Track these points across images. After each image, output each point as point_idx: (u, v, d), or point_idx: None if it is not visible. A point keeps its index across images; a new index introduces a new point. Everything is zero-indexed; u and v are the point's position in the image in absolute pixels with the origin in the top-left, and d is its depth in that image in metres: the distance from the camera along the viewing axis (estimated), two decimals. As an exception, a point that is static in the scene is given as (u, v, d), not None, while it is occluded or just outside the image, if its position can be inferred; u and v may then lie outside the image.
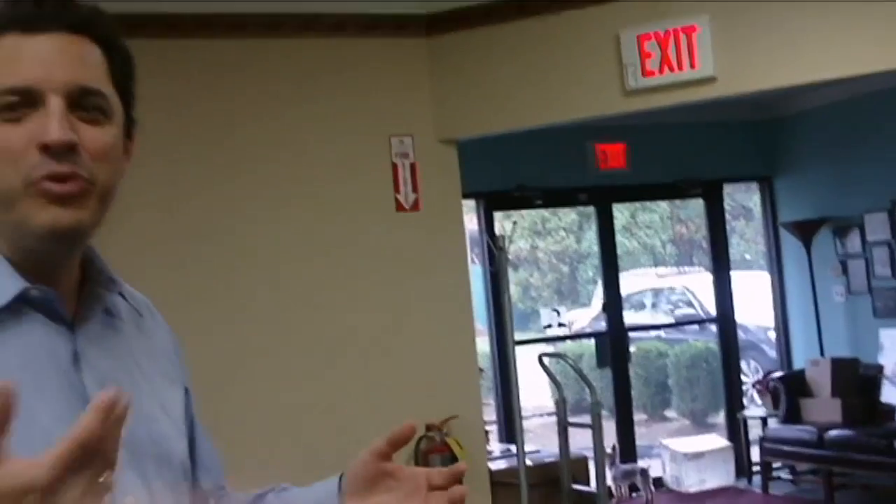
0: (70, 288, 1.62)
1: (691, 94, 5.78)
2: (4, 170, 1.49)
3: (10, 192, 1.50)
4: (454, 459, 5.77)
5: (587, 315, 13.78)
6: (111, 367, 1.62)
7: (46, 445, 1.26)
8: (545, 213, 14.23)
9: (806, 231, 9.74)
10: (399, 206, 5.98)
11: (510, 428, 8.94)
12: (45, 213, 1.50)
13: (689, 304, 13.92)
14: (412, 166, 6.01)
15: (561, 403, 6.90)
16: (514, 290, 6.50)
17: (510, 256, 6.42)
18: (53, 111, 1.49)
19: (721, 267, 10.33)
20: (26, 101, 1.49)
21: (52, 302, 1.56)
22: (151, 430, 1.66)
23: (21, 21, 1.51)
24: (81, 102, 1.53)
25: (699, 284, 13.47)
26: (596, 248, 13.16)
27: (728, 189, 10.66)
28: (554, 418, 8.54)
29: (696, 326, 13.79)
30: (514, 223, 7.26)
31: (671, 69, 5.69)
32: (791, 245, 10.12)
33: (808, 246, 9.72)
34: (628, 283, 12.54)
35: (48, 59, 1.51)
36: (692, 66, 5.66)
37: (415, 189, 6.01)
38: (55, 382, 1.52)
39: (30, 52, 1.51)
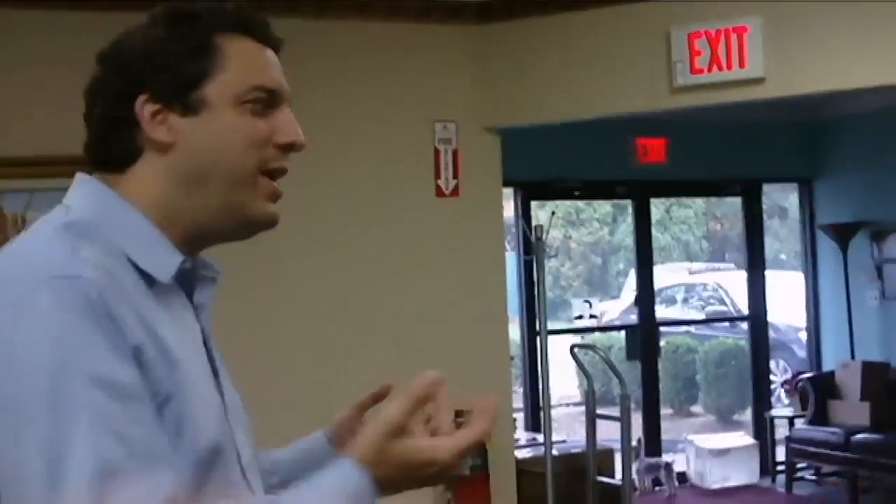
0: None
1: (739, 94, 5.78)
2: (247, 153, 1.69)
3: (245, 174, 1.70)
4: (481, 446, 5.79)
5: (617, 307, 13.79)
6: (215, 344, 1.81)
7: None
8: (580, 203, 14.22)
9: (843, 234, 9.72)
10: (439, 192, 6.01)
11: (536, 417, 8.98)
12: (266, 205, 1.76)
13: (721, 301, 13.90)
14: (454, 152, 6.03)
15: (590, 394, 6.92)
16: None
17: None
18: (292, 117, 1.75)
19: (756, 265, 10.32)
20: (270, 101, 1.71)
21: (193, 281, 1.74)
22: (241, 402, 1.86)
23: (257, 30, 1.77)
24: None
25: (731, 282, 13.47)
26: (628, 241, 13.18)
27: (765, 188, 10.63)
28: (578, 409, 8.58)
29: (725, 323, 13.78)
30: (553, 213, 7.26)
31: (720, 68, 5.69)
32: (827, 247, 10.10)
33: (844, 249, 9.70)
34: (659, 277, 12.51)
35: (280, 71, 1.77)
36: (741, 65, 5.66)
37: (455, 175, 6.03)
38: (202, 357, 1.72)
39: (271, 60, 1.77)
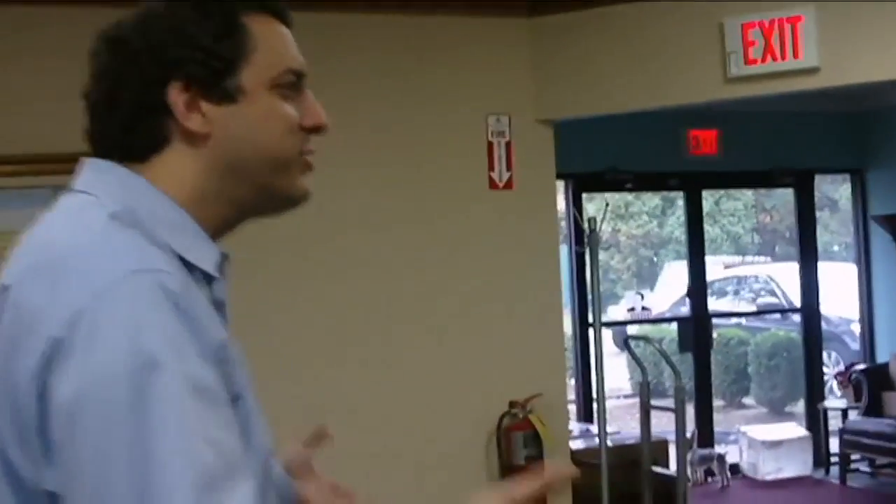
0: None
1: (793, 84, 5.76)
2: (287, 139, 1.63)
3: (288, 161, 1.65)
4: (536, 437, 5.82)
5: (663, 299, 13.73)
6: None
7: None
8: (629, 196, 14.22)
9: (896, 225, 9.66)
10: (493, 184, 6.02)
11: (588, 408, 8.99)
12: (304, 184, 1.68)
13: (772, 294, 13.85)
14: (507, 145, 6.04)
15: (644, 386, 6.92)
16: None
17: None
18: (315, 99, 1.69)
19: (807, 257, 10.27)
20: (298, 84, 1.66)
21: (223, 273, 1.65)
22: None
23: (278, 12, 1.68)
24: None
25: (782, 274, 13.41)
26: (678, 234, 13.15)
27: (816, 180, 10.57)
28: (628, 401, 8.58)
29: (777, 315, 13.72)
30: (607, 205, 7.26)
31: (774, 58, 5.68)
32: (880, 238, 10.04)
33: (897, 240, 9.64)
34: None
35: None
36: (795, 56, 5.64)
37: (509, 167, 6.04)
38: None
39: (294, 42, 1.69)
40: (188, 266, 1.52)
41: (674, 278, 14.28)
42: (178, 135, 1.57)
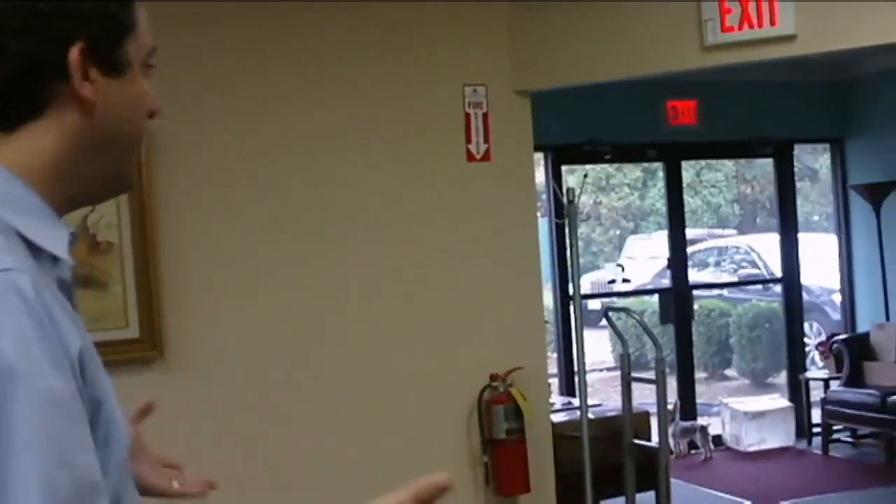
0: None
1: (770, 52, 5.72)
2: (146, 122, 1.55)
3: (135, 143, 1.56)
4: (517, 410, 5.79)
5: (605, 276, 13.66)
6: None
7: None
8: (609, 168, 14.19)
9: (876, 194, 9.66)
10: (470, 156, 5.97)
11: (570, 381, 8.99)
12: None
13: (753, 265, 13.86)
14: (485, 116, 5.99)
15: (625, 358, 6.90)
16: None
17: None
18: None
19: (788, 228, 10.26)
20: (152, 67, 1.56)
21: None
22: None
23: None
24: None
25: (763, 244, 13.41)
26: (659, 206, 13.12)
27: (795, 150, 10.55)
28: (611, 374, 8.50)
29: (758, 286, 13.73)
30: (585, 176, 7.22)
31: (751, 26, 5.64)
32: (860, 208, 10.04)
33: (877, 209, 9.64)
34: (660, 245, 12.44)
35: None
36: (772, 23, 5.60)
37: (486, 139, 5.99)
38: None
39: (147, 18, 1.54)
40: (33, 249, 1.40)
41: (638, 252, 14.32)
42: (57, 103, 1.44)
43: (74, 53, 1.41)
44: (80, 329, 1.38)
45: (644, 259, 13.75)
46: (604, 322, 7.98)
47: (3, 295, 1.26)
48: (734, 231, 15.77)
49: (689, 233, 15.39)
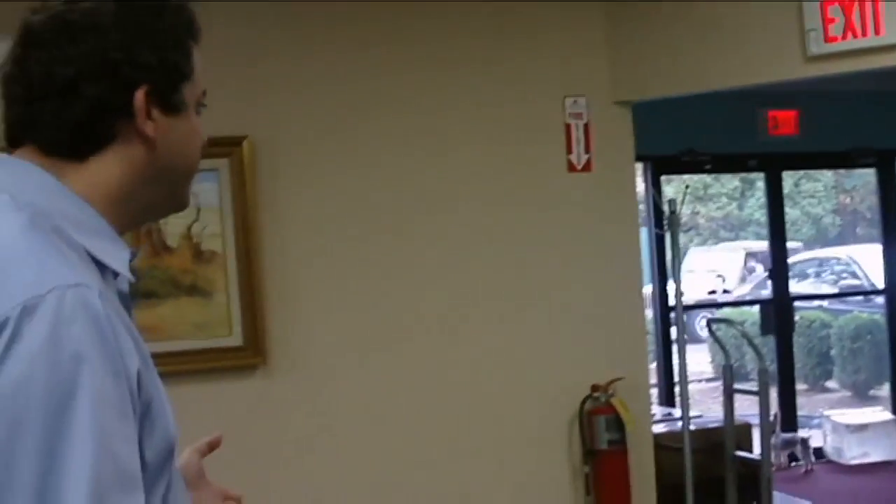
0: None
1: (875, 62, 5.65)
2: (195, 156, 1.75)
3: (189, 175, 1.76)
4: (618, 421, 5.78)
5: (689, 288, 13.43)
6: None
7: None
8: (707, 178, 14.11)
9: (981, 204, 9.49)
10: (571, 167, 5.98)
11: (670, 392, 8.93)
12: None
13: (854, 276, 13.68)
14: (585, 127, 6.00)
15: (727, 369, 6.86)
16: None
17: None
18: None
19: (891, 239, 10.11)
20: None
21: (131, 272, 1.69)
22: None
23: (198, 40, 1.75)
24: None
25: (864, 255, 13.25)
26: (757, 216, 13.01)
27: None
28: (709, 385, 8.42)
29: (859, 297, 13.56)
30: (687, 187, 7.19)
31: (855, 35, 5.59)
32: (965, 218, 9.86)
33: (983, 219, 9.47)
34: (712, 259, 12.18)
35: None
36: (877, 32, 5.54)
37: (587, 150, 6.00)
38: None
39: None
40: (100, 266, 1.57)
41: (697, 265, 14.15)
42: (122, 138, 1.63)
43: (139, 96, 1.62)
44: (136, 339, 1.54)
45: (703, 272, 13.59)
46: (701, 333, 7.94)
47: (76, 307, 1.42)
48: (800, 244, 15.54)
49: (751, 245, 15.34)
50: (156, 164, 1.66)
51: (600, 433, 5.78)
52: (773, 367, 9.61)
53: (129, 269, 1.64)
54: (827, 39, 5.66)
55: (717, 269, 13.54)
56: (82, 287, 1.43)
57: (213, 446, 2.08)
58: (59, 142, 1.61)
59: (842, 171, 14.30)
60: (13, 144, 1.64)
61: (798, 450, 9.39)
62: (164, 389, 1.61)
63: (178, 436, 1.62)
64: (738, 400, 6.99)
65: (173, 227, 5.08)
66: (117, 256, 1.61)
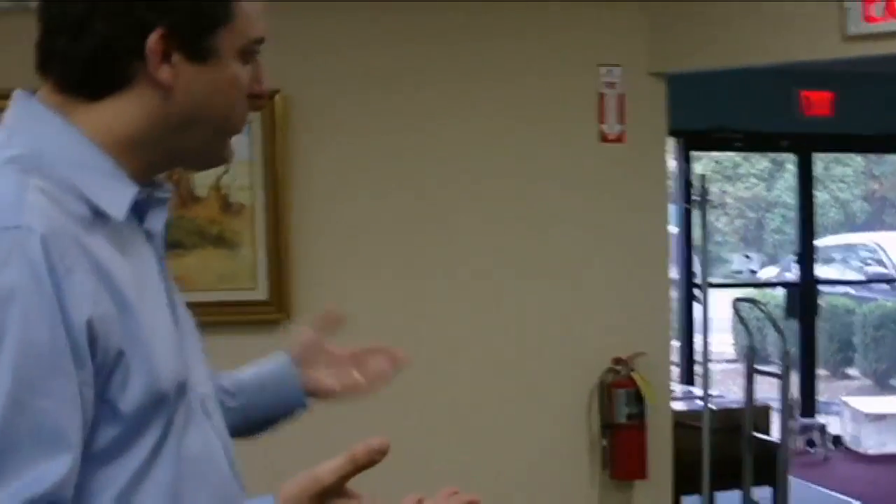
0: None
1: (917, 43, 5.57)
2: (241, 105, 1.67)
3: (232, 124, 1.68)
4: (638, 395, 5.73)
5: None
6: (172, 279, 1.74)
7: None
8: (736, 158, 14.01)
9: None
10: (604, 137, 5.91)
11: (690, 370, 8.89)
12: (231, 148, 1.72)
13: (880, 263, 13.59)
14: (619, 97, 5.93)
15: (750, 350, 6.80)
16: (700, 234, 6.41)
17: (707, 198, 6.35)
18: (264, 67, 1.72)
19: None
20: (257, 51, 1.70)
21: (146, 206, 1.66)
22: (194, 327, 1.82)
23: None
24: None
25: (892, 243, 13.17)
26: (785, 198, 12.92)
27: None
28: (730, 366, 8.36)
29: (884, 285, 13.48)
30: (717, 162, 7.11)
31: (894, 16, 5.50)
32: None
33: None
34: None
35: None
36: (919, 14, 5.45)
37: (621, 121, 5.93)
38: (159, 291, 1.67)
39: (263, 9, 1.70)
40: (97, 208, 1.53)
41: None
42: (138, 81, 1.57)
43: (153, 39, 1.54)
44: (114, 284, 1.48)
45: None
46: (724, 313, 7.89)
47: (11, 251, 1.38)
48: (854, 232, 15.48)
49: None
50: (174, 111, 1.60)
51: (620, 407, 5.73)
52: (794, 351, 9.55)
53: (126, 209, 1.57)
54: (867, 19, 5.57)
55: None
56: (22, 230, 1.39)
57: (331, 321, 2.22)
58: (71, 79, 1.57)
59: (872, 157, 14.19)
60: (41, 76, 1.61)
61: (816, 436, 9.34)
62: (166, 336, 1.59)
63: (185, 382, 1.61)
64: (759, 382, 6.93)
65: (202, 177, 5.05)
66: (115, 195, 1.56)
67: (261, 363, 2.20)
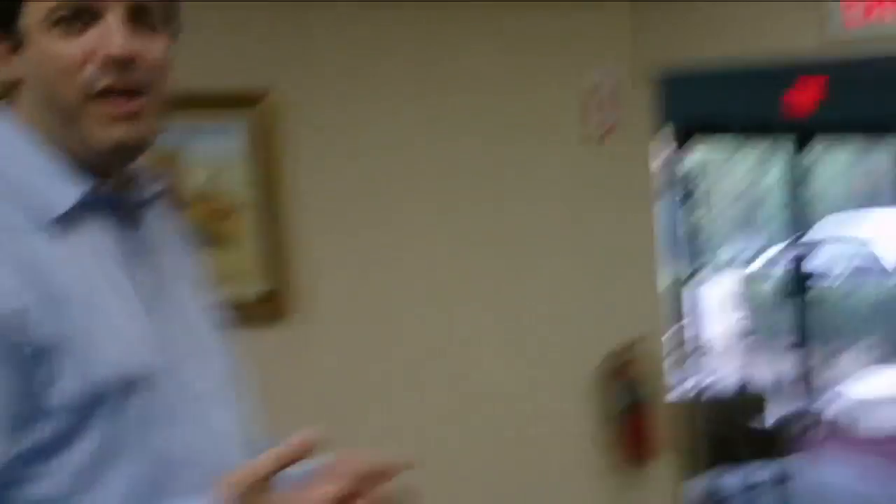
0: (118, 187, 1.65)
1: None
2: (64, 82, 1.53)
3: (69, 107, 1.54)
4: (637, 383, 5.78)
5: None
6: (151, 266, 1.69)
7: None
8: (728, 149, 14.04)
9: None
10: (589, 135, 5.95)
11: (687, 356, 8.97)
12: (111, 130, 1.55)
13: (871, 252, 13.67)
14: (608, 95, 5.97)
15: (749, 334, 6.88)
16: (692, 224, 6.47)
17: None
18: (115, 25, 1.52)
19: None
20: (79, 17, 1.52)
21: (112, 202, 1.62)
22: (204, 326, 1.84)
23: None
24: (138, 15, 1.56)
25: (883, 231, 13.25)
26: (776, 189, 12.97)
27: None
28: (727, 349, 8.40)
29: (875, 274, 13.55)
30: (710, 153, 7.20)
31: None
32: None
33: None
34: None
35: None
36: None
37: (607, 118, 5.96)
38: (121, 286, 1.59)
39: None
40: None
41: None
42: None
43: None
44: (42, 276, 1.47)
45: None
46: (719, 299, 7.96)
47: None
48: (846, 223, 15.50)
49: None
50: (41, 100, 1.56)
51: (620, 394, 5.80)
52: (792, 336, 9.64)
53: (71, 205, 1.54)
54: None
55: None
56: None
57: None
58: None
59: (864, 146, 14.26)
60: None
61: (814, 418, 9.42)
62: (122, 329, 1.54)
63: (142, 372, 1.54)
64: (758, 365, 7.02)
65: (197, 177, 5.04)
66: (57, 192, 1.54)
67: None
